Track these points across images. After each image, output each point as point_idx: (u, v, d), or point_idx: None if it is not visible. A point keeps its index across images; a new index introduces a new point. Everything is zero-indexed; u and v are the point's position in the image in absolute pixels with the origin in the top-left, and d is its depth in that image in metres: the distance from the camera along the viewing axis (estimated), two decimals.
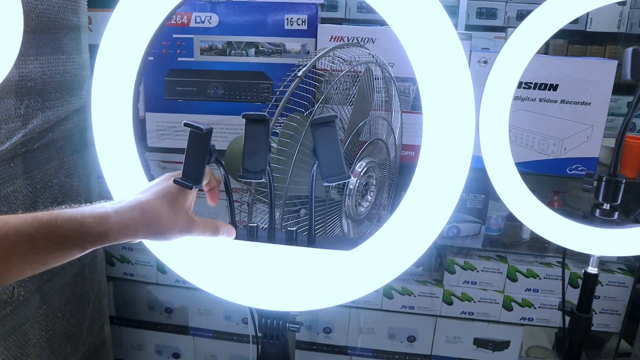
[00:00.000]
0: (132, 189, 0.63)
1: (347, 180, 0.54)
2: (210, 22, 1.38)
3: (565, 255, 1.04)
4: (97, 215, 0.52)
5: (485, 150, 0.89)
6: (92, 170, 1.47)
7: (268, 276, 0.62)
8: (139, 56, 0.62)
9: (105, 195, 0.64)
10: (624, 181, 0.93)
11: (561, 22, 0.80)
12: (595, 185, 0.93)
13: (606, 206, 0.93)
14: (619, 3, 2.09)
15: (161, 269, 1.66)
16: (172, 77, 1.43)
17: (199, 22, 1.39)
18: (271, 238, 0.61)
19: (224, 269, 0.64)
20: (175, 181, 0.56)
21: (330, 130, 0.53)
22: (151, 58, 1.42)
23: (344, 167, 0.54)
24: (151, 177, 0.64)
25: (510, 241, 1.59)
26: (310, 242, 0.60)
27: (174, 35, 1.39)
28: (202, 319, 1.71)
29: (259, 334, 0.68)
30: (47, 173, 1.26)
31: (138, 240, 0.57)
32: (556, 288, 1.53)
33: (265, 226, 1.00)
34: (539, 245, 1.58)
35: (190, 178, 0.55)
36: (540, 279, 1.52)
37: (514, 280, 1.53)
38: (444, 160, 0.56)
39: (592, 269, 1.00)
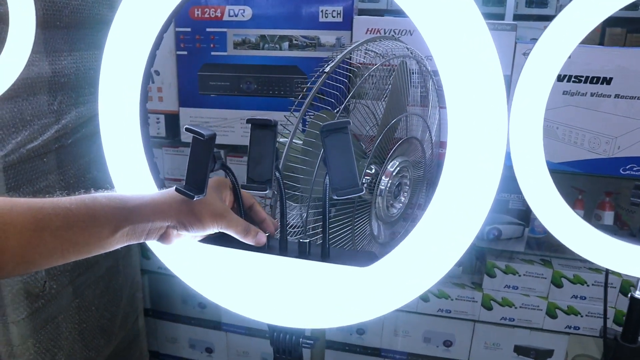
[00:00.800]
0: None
1: (358, 194, 0.50)
2: (243, 15, 1.36)
3: (608, 275, 0.93)
4: (133, 194, 0.55)
5: (516, 156, 0.79)
6: None
7: (280, 289, 0.58)
8: (146, 53, 0.60)
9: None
10: None
11: (610, 9, 0.71)
12: None
13: None
14: None
15: None
16: (205, 72, 1.41)
17: (232, 16, 1.36)
18: (283, 250, 0.57)
19: (233, 280, 0.61)
20: (176, 189, 0.53)
21: (342, 137, 0.48)
22: (184, 52, 1.40)
23: (357, 178, 0.49)
24: (160, 181, 0.62)
25: (557, 244, 1.49)
26: (324, 256, 0.56)
27: (208, 29, 1.38)
28: (235, 315, 1.68)
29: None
30: (80, 168, 1.27)
31: (172, 226, 0.55)
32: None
33: (295, 227, 0.97)
34: None
35: (193, 187, 0.52)
36: (588, 285, 1.42)
37: (559, 286, 1.44)
38: (469, 165, 0.50)
39: None
